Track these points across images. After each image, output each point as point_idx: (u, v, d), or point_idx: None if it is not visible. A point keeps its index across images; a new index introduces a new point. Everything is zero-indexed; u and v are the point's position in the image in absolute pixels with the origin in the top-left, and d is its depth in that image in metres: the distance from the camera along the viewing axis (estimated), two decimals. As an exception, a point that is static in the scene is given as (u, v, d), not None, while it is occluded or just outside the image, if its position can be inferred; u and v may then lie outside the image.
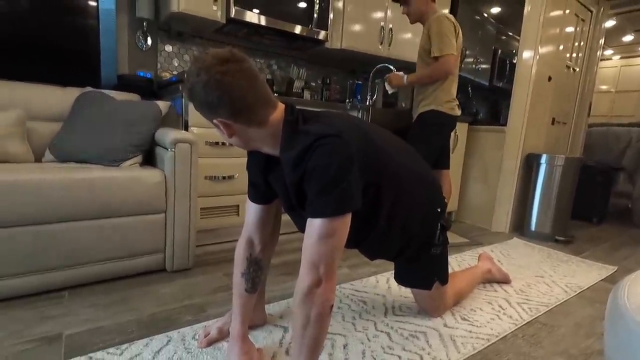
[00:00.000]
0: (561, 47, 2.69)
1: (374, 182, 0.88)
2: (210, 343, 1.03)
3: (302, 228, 0.95)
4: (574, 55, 2.90)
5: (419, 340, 1.13)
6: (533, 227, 2.49)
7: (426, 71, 1.90)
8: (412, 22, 2.00)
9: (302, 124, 0.80)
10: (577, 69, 3.00)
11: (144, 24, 2.06)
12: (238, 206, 1.90)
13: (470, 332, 1.20)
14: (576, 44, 2.88)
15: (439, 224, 1.11)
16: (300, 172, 0.77)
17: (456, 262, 1.86)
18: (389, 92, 2.19)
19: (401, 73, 2.03)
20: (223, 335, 1.05)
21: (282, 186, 0.88)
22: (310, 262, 0.76)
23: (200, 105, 0.78)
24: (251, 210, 0.99)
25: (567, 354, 1.14)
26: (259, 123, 0.80)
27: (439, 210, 1.11)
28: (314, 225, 0.75)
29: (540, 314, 1.37)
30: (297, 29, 2.20)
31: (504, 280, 1.61)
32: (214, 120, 0.79)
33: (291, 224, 1.02)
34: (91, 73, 1.93)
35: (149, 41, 2.11)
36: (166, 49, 2.18)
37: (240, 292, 0.98)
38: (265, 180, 0.94)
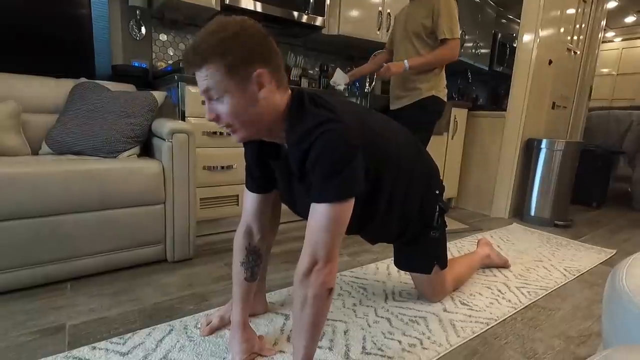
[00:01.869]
0: (562, 30, 2.65)
1: (375, 167, 0.89)
2: (212, 331, 1.04)
3: (301, 214, 0.95)
4: (575, 37, 2.86)
5: (419, 325, 1.14)
6: (532, 212, 2.50)
7: (432, 55, 1.76)
8: None
9: (309, 104, 0.80)
10: (578, 52, 2.96)
11: (137, 12, 2.03)
12: (237, 196, 1.89)
13: (470, 316, 1.21)
14: (577, 26, 2.83)
15: (437, 206, 1.12)
16: (302, 151, 0.76)
17: (456, 248, 1.87)
18: (340, 87, 2.03)
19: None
20: (224, 323, 1.06)
21: (285, 172, 0.88)
22: (311, 245, 0.77)
23: (244, 53, 0.71)
24: (249, 200, 0.99)
25: (565, 336, 1.15)
26: (284, 87, 0.80)
27: (437, 192, 1.12)
28: (318, 210, 0.76)
29: (539, 297, 1.38)
30: (294, 15, 2.16)
31: (503, 265, 1.62)
32: (257, 72, 0.72)
33: (292, 212, 1.02)
34: (85, 64, 1.90)
35: (143, 30, 2.07)
36: (161, 37, 2.15)
37: (239, 281, 0.98)
38: (263, 169, 0.94)
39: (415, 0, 1.85)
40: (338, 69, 2.04)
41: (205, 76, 0.73)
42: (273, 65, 0.76)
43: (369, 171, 0.87)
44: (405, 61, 1.77)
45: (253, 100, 0.75)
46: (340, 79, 2.02)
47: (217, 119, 0.77)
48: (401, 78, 1.88)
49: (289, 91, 0.83)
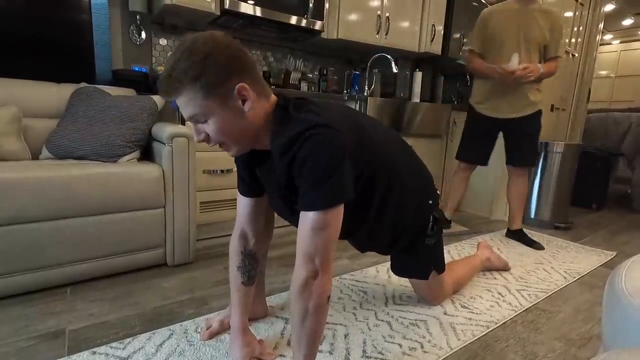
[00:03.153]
0: (560, 33, 2.66)
1: (366, 173, 0.87)
2: (212, 335, 1.04)
3: (290, 220, 0.94)
4: (573, 40, 2.88)
5: (420, 329, 1.14)
6: (532, 215, 2.50)
7: (548, 67, 1.84)
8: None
9: (293, 111, 0.78)
10: (576, 55, 2.98)
11: (137, 17, 2.04)
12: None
13: (470, 319, 1.21)
14: (575, 29, 2.85)
15: (432, 216, 1.10)
16: (289, 159, 0.75)
17: (456, 251, 1.87)
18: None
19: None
20: (225, 327, 1.06)
21: (271, 179, 0.87)
22: (305, 255, 0.75)
23: (220, 71, 0.70)
24: (242, 204, 0.98)
25: (565, 338, 1.15)
26: (266, 95, 0.79)
27: (430, 202, 1.09)
28: (308, 218, 0.74)
29: (539, 300, 1.38)
30: (293, 20, 2.18)
31: (503, 268, 1.62)
32: (238, 86, 0.72)
33: (290, 216, 1.03)
34: (85, 69, 1.91)
35: (143, 35, 2.08)
36: (161, 42, 2.16)
37: (237, 285, 0.98)
38: (252, 174, 0.92)
39: (527, 6, 1.81)
40: (515, 53, 1.81)
41: (185, 103, 0.72)
42: (251, 76, 0.75)
43: (361, 175, 0.85)
44: (539, 66, 1.79)
45: (239, 114, 0.75)
46: (517, 64, 1.81)
47: (207, 139, 0.77)
48: (521, 87, 1.85)
49: (273, 97, 0.82)
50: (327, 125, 0.73)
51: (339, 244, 0.81)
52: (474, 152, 2.06)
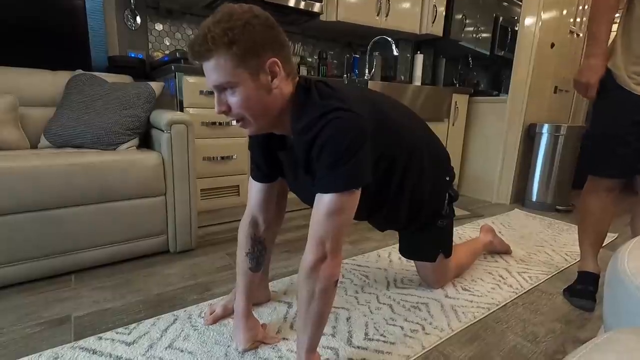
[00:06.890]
0: (564, 12, 2.60)
1: (387, 154, 0.87)
2: (216, 320, 1.05)
3: (308, 201, 0.94)
4: (578, 19, 2.81)
5: (421, 311, 1.15)
6: (534, 198, 2.49)
7: None
8: None
9: (315, 93, 0.78)
10: (581, 34, 2.91)
11: (132, 1, 1.99)
12: (238, 186, 1.89)
13: (471, 301, 1.22)
14: (580, 7, 2.78)
15: (447, 194, 1.11)
16: (309, 142, 0.75)
17: (457, 235, 1.87)
18: None
19: None
20: (228, 312, 1.07)
21: (292, 162, 0.87)
22: (317, 237, 0.75)
23: (256, 41, 0.69)
24: (254, 190, 0.98)
25: (566, 319, 1.16)
26: (292, 77, 0.78)
27: (447, 179, 1.11)
28: (323, 200, 0.74)
29: (540, 282, 1.39)
30: (291, 2, 2.12)
31: (505, 251, 1.63)
32: (270, 60, 0.71)
33: (294, 202, 1.02)
34: (81, 55, 1.88)
35: (138, 20, 2.04)
36: (156, 27, 2.12)
37: (244, 270, 0.99)
38: (269, 159, 0.92)
39: None
40: None
41: (214, 68, 0.70)
42: (283, 54, 0.74)
43: (382, 157, 0.85)
44: None
45: (266, 90, 0.74)
46: None
47: (227, 111, 0.75)
48: None
49: (297, 80, 0.81)
50: (348, 109, 0.73)
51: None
52: (628, 158, 1.23)
